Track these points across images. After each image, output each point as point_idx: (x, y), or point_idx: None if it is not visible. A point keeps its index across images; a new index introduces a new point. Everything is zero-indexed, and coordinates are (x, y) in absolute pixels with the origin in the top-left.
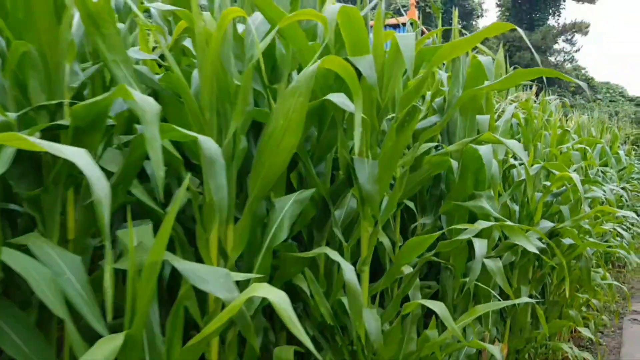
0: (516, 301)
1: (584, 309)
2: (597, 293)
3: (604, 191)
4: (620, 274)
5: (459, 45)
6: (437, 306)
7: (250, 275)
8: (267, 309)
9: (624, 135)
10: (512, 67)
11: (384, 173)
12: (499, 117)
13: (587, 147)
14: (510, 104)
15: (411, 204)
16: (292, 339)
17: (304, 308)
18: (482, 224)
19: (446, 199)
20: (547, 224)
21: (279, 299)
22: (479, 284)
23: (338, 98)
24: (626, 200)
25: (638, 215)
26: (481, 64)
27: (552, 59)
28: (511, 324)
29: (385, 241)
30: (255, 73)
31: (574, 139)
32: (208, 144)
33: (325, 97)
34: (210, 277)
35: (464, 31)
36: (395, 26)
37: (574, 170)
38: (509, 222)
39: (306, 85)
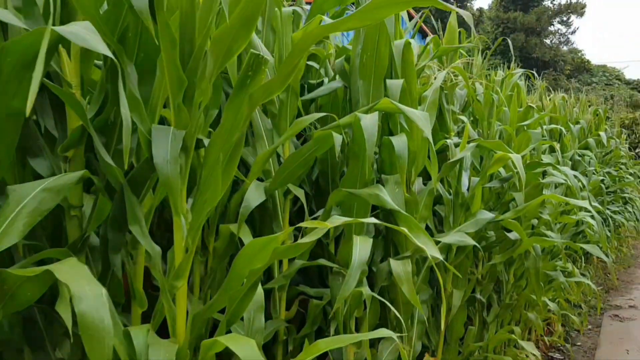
0: (369, 335)
1: (554, 306)
2: (565, 291)
3: (566, 176)
4: (603, 265)
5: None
6: (242, 348)
7: None
8: None
9: (618, 119)
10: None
11: (214, 150)
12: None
13: (562, 128)
14: (455, 77)
15: (300, 192)
16: None
17: None
18: (335, 220)
19: (341, 185)
20: (486, 215)
21: None
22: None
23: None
24: (606, 187)
25: (626, 203)
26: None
27: (547, 41)
28: (446, 334)
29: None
30: None
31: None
32: None
33: None
34: None
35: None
36: None
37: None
38: (404, 214)
39: None
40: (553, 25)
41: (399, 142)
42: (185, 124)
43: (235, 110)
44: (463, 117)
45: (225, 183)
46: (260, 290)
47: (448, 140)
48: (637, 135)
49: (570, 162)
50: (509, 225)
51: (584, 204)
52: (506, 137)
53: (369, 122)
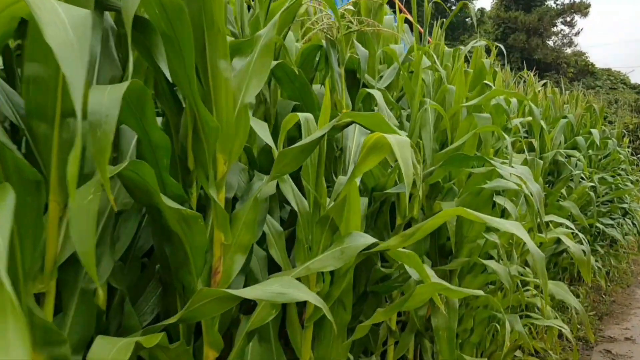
0: None
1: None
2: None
3: (503, 177)
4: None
5: None
6: None
7: None
8: None
9: (622, 123)
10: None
11: None
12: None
13: (543, 122)
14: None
15: None
16: None
17: None
18: None
19: None
20: (360, 240)
21: None
22: None
23: None
24: (600, 196)
25: (625, 214)
26: None
27: (550, 42)
28: None
29: None
30: None
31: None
32: None
33: None
34: None
35: None
36: None
37: (518, 152)
38: None
39: None
40: (556, 26)
41: None
42: None
43: None
44: (374, 92)
45: None
46: None
47: (301, 115)
48: None
49: (551, 165)
50: (398, 257)
51: (509, 226)
52: (454, 120)
53: None
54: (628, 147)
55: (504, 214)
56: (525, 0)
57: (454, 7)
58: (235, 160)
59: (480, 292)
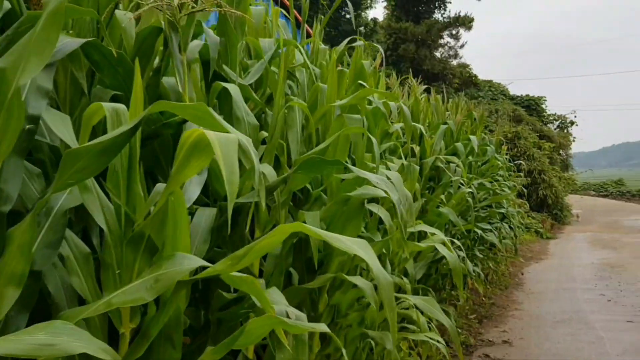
0: None
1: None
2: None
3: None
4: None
5: None
6: None
7: None
8: None
9: (501, 132)
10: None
11: None
12: None
13: (422, 128)
14: None
15: None
16: None
17: None
18: None
19: None
20: (186, 263)
21: None
22: None
23: None
24: (474, 200)
25: (503, 219)
26: None
27: (437, 53)
28: None
29: None
30: None
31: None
32: None
33: None
34: None
35: None
36: None
37: (400, 157)
38: None
39: None
40: (443, 38)
41: None
42: None
43: None
44: (229, 86)
45: None
46: None
47: (107, 106)
48: (520, 149)
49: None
50: (233, 283)
51: (349, 243)
52: (312, 121)
53: None
54: (506, 154)
55: (382, 223)
56: (414, 12)
57: (348, 16)
58: (10, 161)
59: (324, 328)
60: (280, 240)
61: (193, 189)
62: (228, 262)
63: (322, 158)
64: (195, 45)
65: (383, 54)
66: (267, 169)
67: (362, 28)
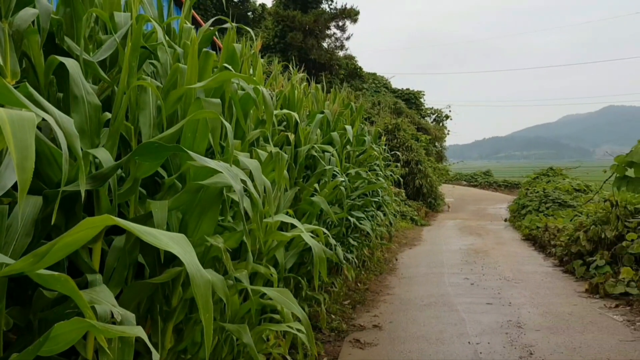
0: None
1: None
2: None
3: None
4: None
5: None
6: None
7: None
8: None
9: (382, 123)
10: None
11: None
12: None
13: (297, 115)
14: None
15: None
16: None
17: None
18: None
19: None
20: None
21: None
22: None
23: None
24: (347, 189)
25: (379, 207)
26: None
27: (324, 44)
28: None
29: None
30: None
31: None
32: None
33: None
34: None
35: None
36: None
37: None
38: None
39: None
40: (330, 28)
41: None
42: None
43: None
44: (66, 60)
45: None
46: None
47: None
48: (399, 140)
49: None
50: (43, 282)
51: (166, 240)
52: (163, 104)
53: None
54: (386, 144)
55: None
56: (302, 1)
57: (241, 6)
58: None
59: (139, 331)
60: (90, 235)
61: (9, 175)
62: (30, 259)
63: (161, 143)
64: (28, 13)
65: (256, 39)
66: (102, 153)
67: (250, 13)
